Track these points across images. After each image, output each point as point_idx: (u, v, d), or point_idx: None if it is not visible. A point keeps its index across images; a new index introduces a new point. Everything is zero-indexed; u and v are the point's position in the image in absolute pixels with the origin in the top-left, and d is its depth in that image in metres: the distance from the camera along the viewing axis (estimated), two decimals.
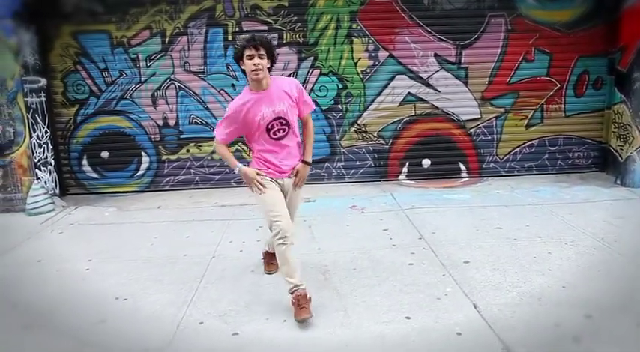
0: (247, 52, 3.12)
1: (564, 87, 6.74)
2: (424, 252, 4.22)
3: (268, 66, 3.22)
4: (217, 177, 6.84)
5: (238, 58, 3.22)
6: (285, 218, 3.23)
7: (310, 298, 3.16)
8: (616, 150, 6.53)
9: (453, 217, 5.13)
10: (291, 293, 3.15)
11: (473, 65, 6.64)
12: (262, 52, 3.13)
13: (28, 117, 5.99)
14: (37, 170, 6.10)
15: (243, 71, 3.24)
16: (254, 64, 3.11)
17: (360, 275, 3.78)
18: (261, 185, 3.27)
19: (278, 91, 3.25)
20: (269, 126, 3.25)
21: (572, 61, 6.66)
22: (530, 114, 6.81)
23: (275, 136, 3.29)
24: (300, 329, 3.04)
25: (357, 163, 6.81)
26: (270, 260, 3.89)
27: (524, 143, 6.90)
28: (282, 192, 3.39)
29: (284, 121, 3.26)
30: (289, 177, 3.40)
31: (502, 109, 6.79)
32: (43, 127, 6.25)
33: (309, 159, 3.47)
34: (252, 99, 3.22)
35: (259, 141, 3.31)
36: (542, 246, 4.23)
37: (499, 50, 6.60)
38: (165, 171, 6.82)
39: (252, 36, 3.19)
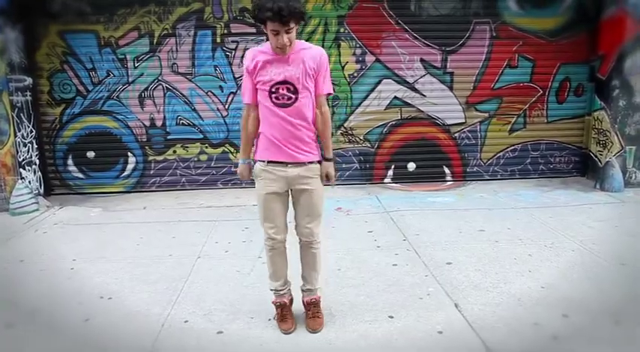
0: (271, 26, 2.59)
1: (547, 93, 6.88)
2: (408, 253, 4.28)
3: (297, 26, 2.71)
4: (204, 178, 6.85)
5: (259, 21, 2.70)
6: (276, 226, 2.96)
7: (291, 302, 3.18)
8: (596, 156, 6.68)
9: (436, 220, 5.20)
10: (273, 294, 3.15)
11: (458, 70, 6.74)
12: (291, 26, 2.60)
13: (12, 116, 5.95)
14: (21, 169, 6.05)
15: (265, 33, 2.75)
16: (280, 43, 2.64)
17: (344, 276, 3.82)
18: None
19: (298, 56, 2.76)
20: (272, 89, 2.77)
21: (555, 68, 6.80)
22: (514, 120, 6.94)
23: (277, 101, 2.78)
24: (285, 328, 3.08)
25: (344, 166, 6.87)
26: (313, 312, 3.13)
27: (508, 148, 7.02)
28: (286, 190, 2.95)
29: (292, 88, 2.76)
30: (293, 165, 2.87)
31: (486, 114, 6.90)
32: (28, 126, 6.21)
33: (330, 155, 2.98)
34: (269, 57, 2.76)
35: (263, 112, 2.84)
36: (522, 248, 4.32)
37: (484, 56, 6.71)
38: (152, 172, 6.81)
39: (279, 7, 2.50)
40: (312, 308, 3.13)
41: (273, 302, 3.15)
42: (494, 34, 6.66)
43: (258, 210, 3.01)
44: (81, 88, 6.53)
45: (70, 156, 6.71)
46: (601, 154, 6.56)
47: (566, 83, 6.87)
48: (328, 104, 2.98)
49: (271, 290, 3.15)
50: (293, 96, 2.78)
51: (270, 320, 3.17)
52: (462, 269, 3.90)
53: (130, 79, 6.55)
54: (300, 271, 3.18)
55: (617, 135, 6.35)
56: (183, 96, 6.63)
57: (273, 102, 2.79)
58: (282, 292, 3.13)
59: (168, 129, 6.72)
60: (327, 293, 3.51)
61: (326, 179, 2.98)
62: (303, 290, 3.19)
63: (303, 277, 3.18)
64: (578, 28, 6.67)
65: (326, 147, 2.97)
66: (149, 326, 3.14)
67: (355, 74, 6.66)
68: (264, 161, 2.89)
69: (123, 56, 6.48)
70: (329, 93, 2.93)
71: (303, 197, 2.94)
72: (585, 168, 7.00)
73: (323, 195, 3.02)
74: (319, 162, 2.95)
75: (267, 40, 2.75)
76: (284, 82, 2.75)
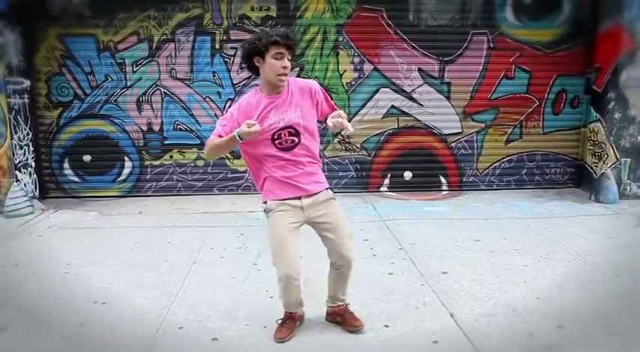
0: (277, 50, 2.61)
1: (543, 104, 6.93)
2: (404, 262, 4.29)
3: None
4: (200, 184, 6.85)
5: (254, 53, 2.66)
6: (288, 260, 2.80)
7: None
8: (591, 167, 6.72)
9: (432, 229, 5.21)
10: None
11: (455, 80, 6.79)
12: (292, 53, 2.68)
13: (10, 119, 5.94)
14: (16, 172, 6.03)
15: (254, 69, 2.74)
16: (284, 67, 2.63)
17: None
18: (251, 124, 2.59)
19: (293, 96, 2.76)
20: (275, 136, 2.75)
21: (551, 80, 6.85)
22: (510, 130, 6.98)
23: (281, 146, 2.77)
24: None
25: (340, 174, 6.88)
26: (349, 317, 3.14)
27: (504, 158, 7.06)
28: (301, 224, 2.88)
29: (293, 131, 2.75)
30: (307, 196, 2.82)
31: (483, 124, 6.94)
32: (25, 129, 6.20)
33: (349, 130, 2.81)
34: (262, 104, 2.74)
35: (266, 159, 2.80)
36: (518, 258, 4.33)
37: (481, 67, 6.77)
38: (148, 177, 6.80)
39: (285, 32, 2.62)
40: (347, 313, 3.13)
41: (285, 311, 3.09)
42: (492, 45, 6.71)
43: (270, 246, 2.88)
44: (79, 91, 6.53)
45: (67, 160, 6.70)
46: (596, 166, 6.61)
47: (563, 95, 6.92)
48: None
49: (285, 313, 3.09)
50: (296, 138, 2.78)
51: (265, 327, 3.16)
52: (458, 278, 3.90)
53: (129, 84, 6.56)
54: (328, 288, 3.15)
55: (612, 148, 6.39)
56: (181, 101, 6.64)
57: (277, 148, 2.77)
58: (292, 310, 3.08)
59: (165, 134, 6.72)
60: (322, 300, 3.51)
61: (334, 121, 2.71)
62: (331, 305, 3.18)
63: (331, 296, 3.15)
64: (575, 41, 6.73)
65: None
66: (144, 331, 3.12)
67: (353, 82, 6.69)
68: (278, 200, 2.83)
69: (122, 60, 6.49)
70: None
71: (326, 225, 2.87)
72: (581, 179, 7.03)
73: (344, 217, 2.99)
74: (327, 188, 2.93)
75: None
76: (285, 128, 2.75)
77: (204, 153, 2.84)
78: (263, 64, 2.67)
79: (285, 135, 2.76)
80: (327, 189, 2.93)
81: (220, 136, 2.75)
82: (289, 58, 2.67)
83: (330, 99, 2.94)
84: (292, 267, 2.82)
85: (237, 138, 2.63)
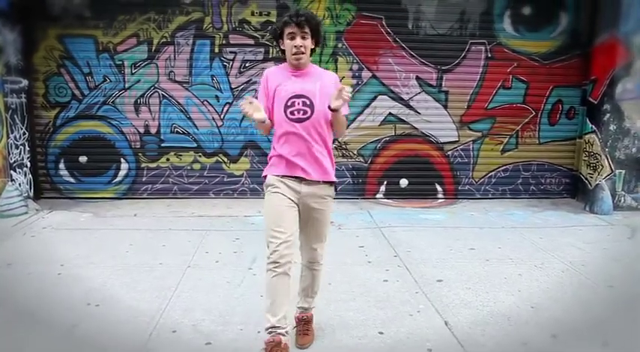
0: (288, 30, 2.66)
1: (539, 115, 6.97)
2: (399, 269, 4.29)
3: (312, 47, 2.77)
4: (196, 187, 6.83)
5: (277, 36, 2.77)
6: (286, 238, 2.67)
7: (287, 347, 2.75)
8: (586, 178, 6.75)
9: (428, 237, 5.22)
10: (268, 333, 2.72)
11: (453, 89, 6.82)
12: (307, 30, 2.65)
13: (6, 118, 5.93)
14: (12, 171, 6.01)
15: (282, 51, 2.80)
16: (295, 46, 2.66)
17: (335, 290, 3.81)
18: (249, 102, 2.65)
19: (317, 75, 2.80)
20: (288, 102, 2.72)
21: (548, 91, 6.90)
22: (506, 140, 7.01)
23: (292, 116, 2.71)
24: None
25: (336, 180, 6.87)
26: (303, 329, 3.04)
27: (499, 167, 7.08)
28: (297, 205, 2.79)
29: (308, 101, 2.70)
30: (307, 183, 2.76)
31: (479, 133, 6.97)
32: (22, 128, 6.18)
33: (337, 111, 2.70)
34: (283, 74, 2.80)
35: (277, 124, 2.78)
36: (513, 267, 4.34)
37: (478, 76, 6.80)
38: (144, 179, 6.78)
39: (296, 10, 2.69)
40: (303, 324, 3.07)
41: (265, 342, 2.73)
42: (490, 55, 6.75)
43: (265, 221, 2.80)
44: (77, 92, 6.51)
45: (62, 160, 6.67)
46: (591, 177, 6.64)
47: (559, 106, 6.97)
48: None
49: (267, 328, 2.73)
50: (309, 110, 2.71)
51: (259, 332, 3.14)
52: (453, 287, 3.91)
53: (127, 85, 6.55)
54: (297, 290, 3.09)
55: (607, 159, 6.43)
56: (179, 104, 6.64)
57: (288, 117, 2.72)
58: (278, 330, 2.70)
59: (162, 137, 6.71)
60: (317, 307, 3.50)
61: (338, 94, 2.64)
62: (297, 307, 3.11)
63: (299, 295, 3.09)
64: (572, 53, 6.79)
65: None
66: (137, 334, 3.10)
67: (351, 89, 6.69)
68: (278, 175, 2.79)
69: (120, 62, 6.49)
70: (346, 115, 2.87)
71: (313, 217, 2.83)
72: (575, 190, 7.07)
73: (330, 213, 2.93)
74: (333, 183, 2.86)
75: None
76: (300, 96, 2.71)
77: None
78: (283, 45, 2.75)
79: (298, 104, 2.71)
80: (331, 183, 2.85)
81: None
82: (304, 36, 2.67)
83: None
84: (288, 238, 2.68)
85: (259, 122, 2.72)
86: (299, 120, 2.72)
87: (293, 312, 3.12)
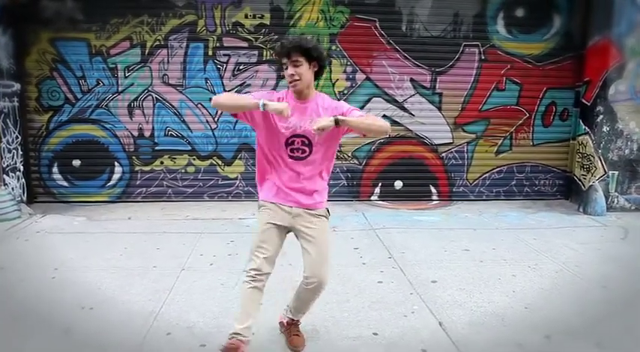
0: (281, 61, 2.71)
1: (533, 117, 7.00)
2: (393, 270, 4.29)
3: (316, 69, 2.73)
4: (190, 190, 6.82)
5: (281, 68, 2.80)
6: (268, 255, 2.76)
7: None
8: (579, 180, 6.78)
9: (422, 238, 5.23)
10: (229, 338, 2.75)
11: (447, 91, 6.84)
12: (297, 58, 2.64)
13: None
14: (4, 175, 5.97)
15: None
16: (289, 75, 2.67)
17: (329, 292, 3.76)
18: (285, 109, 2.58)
19: (317, 108, 2.74)
20: (289, 141, 2.75)
21: (541, 92, 6.93)
22: (500, 142, 7.04)
23: (292, 154, 2.77)
24: (268, 343, 3.05)
25: (331, 182, 6.84)
26: (293, 332, 3.08)
27: (493, 169, 7.11)
28: (287, 227, 2.83)
29: (306, 141, 2.74)
30: (294, 207, 2.81)
31: (473, 135, 6.99)
32: (14, 132, 6.15)
33: (341, 120, 2.60)
34: (291, 103, 2.72)
35: (275, 160, 2.81)
36: (507, 268, 4.35)
37: (472, 78, 6.83)
38: (138, 183, 6.76)
39: (281, 42, 2.70)
40: (292, 327, 3.08)
41: (224, 346, 2.74)
42: (483, 57, 6.78)
43: (253, 237, 2.87)
44: (70, 95, 6.49)
45: (56, 164, 6.64)
46: (584, 178, 6.67)
47: (552, 107, 7.00)
48: None
49: (230, 334, 2.77)
50: (307, 150, 2.76)
51: (253, 334, 3.13)
52: (447, 288, 3.91)
53: (120, 89, 6.53)
54: (293, 298, 3.06)
55: (600, 160, 6.46)
56: (173, 107, 6.63)
57: (289, 154, 2.76)
58: (239, 337, 2.74)
59: (156, 140, 6.69)
60: (311, 308, 3.50)
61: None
62: (285, 314, 3.12)
63: (291, 306, 3.08)
64: (565, 55, 6.83)
65: (353, 120, 2.65)
66: (131, 337, 3.09)
67: (345, 91, 6.72)
68: (270, 202, 2.84)
69: (113, 65, 6.47)
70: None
71: (309, 239, 2.80)
72: (569, 191, 7.10)
73: (329, 239, 2.89)
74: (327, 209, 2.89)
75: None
76: (299, 135, 2.73)
77: (214, 99, 2.72)
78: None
79: (298, 143, 2.75)
80: (323, 208, 2.88)
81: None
82: (295, 64, 2.64)
83: (352, 111, 2.75)
84: (267, 258, 2.76)
85: (261, 106, 2.60)
86: (298, 159, 2.77)
87: (279, 317, 3.17)
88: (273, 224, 2.80)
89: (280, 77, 6.55)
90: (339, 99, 6.55)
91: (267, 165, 2.87)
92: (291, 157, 2.77)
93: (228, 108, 2.79)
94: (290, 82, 2.69)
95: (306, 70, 2.67)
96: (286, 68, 2.68)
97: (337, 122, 2.58)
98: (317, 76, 2.77)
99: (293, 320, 3.09)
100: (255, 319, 2.81)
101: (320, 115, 2.69)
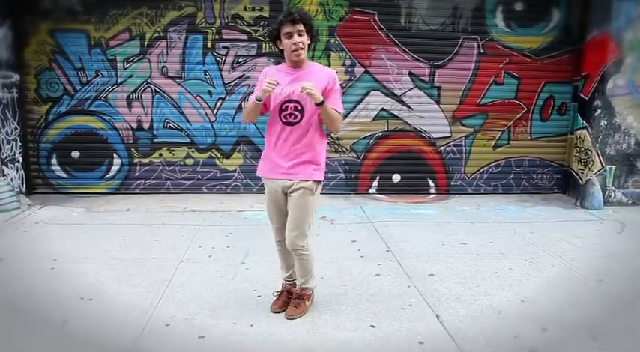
0: (285, 30, 2.85)
1: (531, 111, 7.01)
2: (391, 263, 4.32)
3: (308, 43, 2.94)
4: (189, 182, 6.83)
5: (275, 37, 2.95)
6: (278, 226, 3.22)
7: (291, 294, 3.37)
8: (577, 174, 6.81)
9: (420, 231, 5.26)
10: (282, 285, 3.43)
11: (445, 85, 6.84)
12: (301, 27, 2.85)
13: None
14: (3, 166, 5.97)
15: (281, 51, 2.99)
16: (294, 43, 2.84)
17: (327, 284, 3.83)
18: (269, 83, 2.83)
19: (312, 74, 2.96)
20: (282, 106, 2.95)
21: (539, 87, 6.94)
22: (498, 136, 7.05)
23: (285, 120, 2.96)
24: (266, 334, 3.08)
25: (329, 175, 6.89)
26: (294, 302, 3.33)
27: (491, 163, 7.13)
28: (284, 194, 3.08)
29: (299, 106, 2.92)
30: (287, 180, 3.04)
31: (471, 129, 7.00)
32: (13, 123, 6.15)
33: (324, 105, 2.86)
34: (282, 72, 3.00)
35: (271, 124, 3.04)
36: (504, 261, 4.38)
37: (471, 72, 6.83)
38: (137, 174, 6.77)
39: (289, 10, 2.88)
40: (296, 298, 3.33)
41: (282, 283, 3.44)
42: (482, 51, 6.78)
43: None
44: (69, 87, 6.48)
45: (55, 155, 6.64)
46: (582, 172, 6.70)
47: (550, 101, 7.02)
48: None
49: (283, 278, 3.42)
50: (299, 115, 2.93)
51: (252, 325, 3.17)
52: (444, 281, 3.94)
53: (119, 80, 6.52)
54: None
55: (597, 154, 6.49)
56: (172, 99, 6.62)
57: (282, 120, 2.97)
58: (289, 281, 3.40)
59: (155, 132, 6.69)
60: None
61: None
62: (286, 281, 3.46)
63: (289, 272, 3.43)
64: (563, 49, 6.83)
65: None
66: (130, 328, 3.11)
67: (344, 85, 6.71)
68: (265, 177, 3.15)
69: (113, 57, 6.46)
70: (340, 112, 3.03)
71: (292, 205, 3.07)
72: (566, 185, 7.13)
73: (311, 209, 3.11)
74: (317, 182, 3.09)
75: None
76: (293, 100, 2.92)
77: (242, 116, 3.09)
78: (281, 45, 2.94)
79: (291, 108, 2.94)
80: (313, 181, 3.06)
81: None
82: (300, 33, 2.86)
83: (335, 93, 3.01)
84: (277, 230, 3.21)
85: (257, 101, 2.91)
86: (290, 124, 2.97)
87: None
88: (272, 199, 3.18)
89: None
90: None
91: (268, 136, 3.10)
92: (283, 122, 2.98)
93: (248, 119, 3.12)
94: (293, 51, 2.88)
95: (306, 41, 2.89)
96: (289, 37, 2.85)
97: (321, 103, 2.83)
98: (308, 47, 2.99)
99: (297, 290, 3.35)
100: (292, 268, 3.34)
101: (315, 79, 2.90)
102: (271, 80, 2.84)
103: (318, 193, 3.15)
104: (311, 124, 2.97)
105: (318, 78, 2.95)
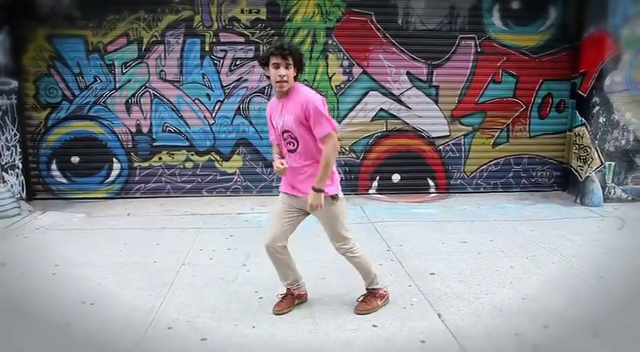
0: (274, 60, 2.95)
1: (529, 108, 7.02)
2: (392, 263, 4.33)
3: (294, 75, 3.05)
4: (189, 185, 6.84)
5: (264, 63, 3.05)
6: (270, 232, 3.25)
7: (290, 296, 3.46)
8: (576, 171, 6.82)
9: (420, 231, 5.26)
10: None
11: (443, 84, 6.85)
12: (290, 61, 2.96)
13: None
14: (3, 173, 5.98)
15: (267, 77, 3.10)
16: (279, 75, 2.96)
17: (328, 284, 3.85)
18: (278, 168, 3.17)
19: (293, 103, 3.03)
20: (283, 136, 3.14)
21: (537, 84, 6.95)
22: (497, 134, 7.06)
23: (287, 148, 3.16)
24: (268, 336, 3.08)
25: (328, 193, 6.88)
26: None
27: (491, 161, 7.13)
28: (296, 209, 3.25)
29: (292, 135, 3.07)
30: (297, 196, 3.22)
31: (470, 128, 7.01)
32: (12, 130, 6.16)
33: (318, 186, 3.02)
34: (274, 105, 3.16)
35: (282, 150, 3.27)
36: (504, 259, 4.39)
37: (469, 71, 6.84)
38: (137, 179, 6.78)
39: (281, 43, 3.00)
40: (368, 295, 3.45)
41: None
42: (479, 50, 6.79)
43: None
44: (67, 92, 6.49)
45: (54, 161, 6.65)
46: (581, 169, 6.71)
47: (549, 99, 7.02)
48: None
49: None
50: (295, 142, 3.10)
51: (254, 327, 3.18)
52: (445, 279, 3.95)
53: (117, 85, 6.53)
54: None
55: (597, 151, 6.49)
56: (171, 103, 6.63)
57: (286, 148, 3.18)
58: (292, 286, 3.44)
59: (154, 136, 6.70)
60: (311, 301, 3.55)
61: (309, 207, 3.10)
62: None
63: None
64: (561, 46, 6.84)
65: (318, 179, 3.03)
66: (132, 332, 3.12)
67: (342, 85, 6.73)
68: (281, 191, 3.33)
69: (111, 62, 6.47)
70: (326, 134, 2.99)
71: (320, 220, 3.26)
72: (566, 182, 7.13)
73: (339, 216, 3.25)
74: (333, 196, 3.17)
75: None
76: (286, 131, 3.09)
77: None
78: (268, 72, 3.04)
79: (287, 136, 3.12)
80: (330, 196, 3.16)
81: (273, 139, 3.34)
82: (287, 66, 2.97)
83: (317, 117, 2.97)
84: (270, 234, 3.25)
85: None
86: (291, 151, 3.16)
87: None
88: (279, 210, 3.33)
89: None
90: (336, 94, 6.66)
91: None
92: (288, 150, 3.18)
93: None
94: (278, 82, 2.99)
95: (292, 74, 3.00)
96: (276, 68, 2.96)
97: (320, 190, 3.03)
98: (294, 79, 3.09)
99: (367, 288, 3.47)
100: (292, 275, 3.41)
101: (292, 108, 3.02)
102: (280, 166, 3.14)
103: (339, 200, 3.23)
104: (308, 148, 3.08)
105: (296, 108, 3.01)
